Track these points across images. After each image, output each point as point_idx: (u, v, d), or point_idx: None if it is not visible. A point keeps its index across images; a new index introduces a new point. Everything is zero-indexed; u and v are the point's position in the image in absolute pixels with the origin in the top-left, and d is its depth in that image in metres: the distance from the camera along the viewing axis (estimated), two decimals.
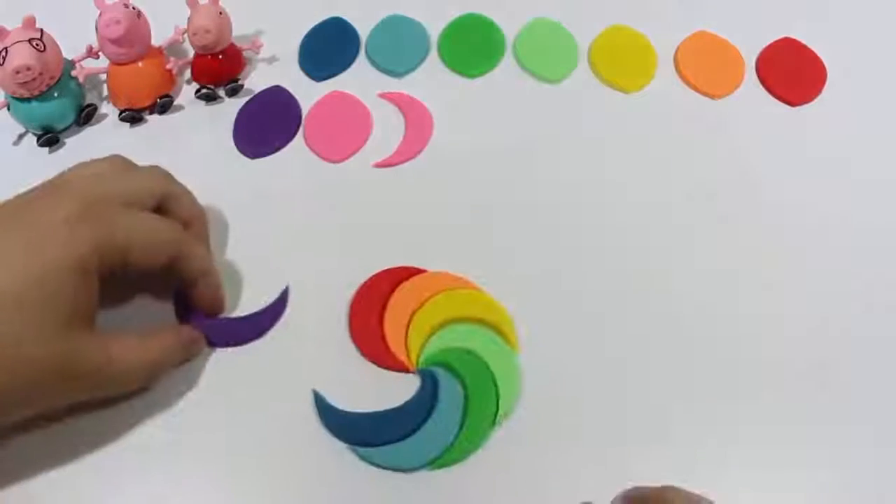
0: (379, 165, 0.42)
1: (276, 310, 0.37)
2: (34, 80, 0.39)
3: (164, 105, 0.44)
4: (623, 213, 0.40)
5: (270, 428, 0.34)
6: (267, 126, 0.44)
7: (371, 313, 0.36)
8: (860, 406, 0.35)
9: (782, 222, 0.40)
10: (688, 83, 0.46)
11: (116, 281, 0.31)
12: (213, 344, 0.36)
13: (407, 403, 0.34)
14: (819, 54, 0.47)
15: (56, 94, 0.41)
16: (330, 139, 0.43)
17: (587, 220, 0.40)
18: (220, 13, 0.42)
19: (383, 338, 0.36)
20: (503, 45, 0.47)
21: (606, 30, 0.47)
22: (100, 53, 0.43)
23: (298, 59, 0.46)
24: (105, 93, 0.45)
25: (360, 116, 0.44)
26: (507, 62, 0.47)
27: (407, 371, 0.35)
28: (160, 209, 0.34)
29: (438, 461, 0.33)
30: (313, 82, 0.45)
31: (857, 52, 0.47)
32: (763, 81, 0.46)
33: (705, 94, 0.45)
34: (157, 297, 0.37)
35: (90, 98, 0.44)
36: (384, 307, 0.36)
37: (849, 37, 0.47)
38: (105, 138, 0.43)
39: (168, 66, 0.43)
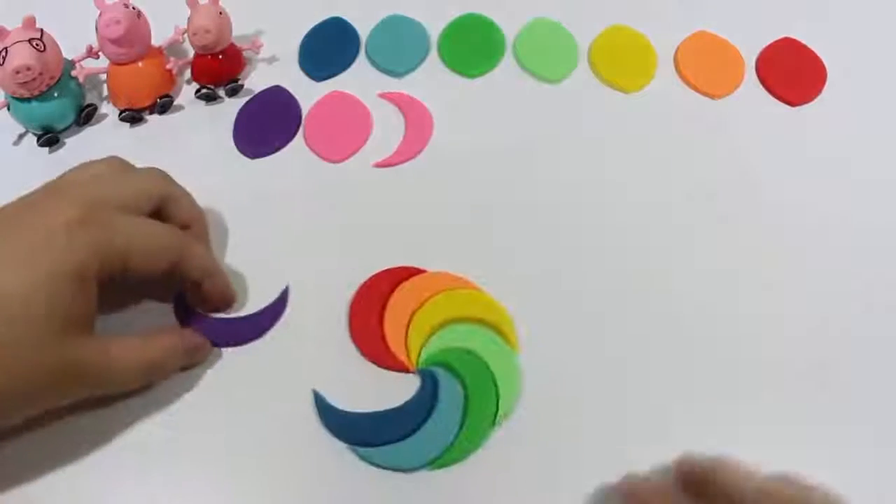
0: (379, 165, 0.42)
1: (275, 310, 0.37)
2: (34, 80, 0.39)
3: (164, 105, 0.44)
4: (623, 213, 0.40)
5: (270, 428, 0.34)
6: (267, 126, 0.44)
7: (371, 313, 0.36)
8: (860, 406, 0.35)
9: (782, 222, 0.40)
10: (688, 83, 0.46)
11: (117, 286, 0.31)
12: (213, 344, 0.36)
13: (407, 403, 0.34)
14: (819, 54, 0.47)
15: (56, 94, 0.41)
16: (330, 139, 0.43)
17: (587, 220, 0.40)
18: (220, 13, 0.42)
19: (383, 338, 0.36)
20: (503, 45, 0.47)
21: (606, 30, 0.47)
22: (100, 53, 0.43)
23: (298, 59, 0.46)
24: (105, 93, 0.45)
25: (360, 116, 0.44)
26: (507, 62, 0.47)
27: (407, 371, 0.35)
28: (159, 211, 0.34)
29: (438, 461, 0.33)
30: (313, 82, 0.45)
31: (857, 52, 0.47)
32: (763, 81, 0.46)
33: (705, 94, 0.45)
34: (158, 301, 0.37)
35: (90, 98, 0.44)
36: (384, 307, 0.36)
37: (849, 37, 0.47)
38: (105, 138, 0.43)
39: (168, 66, 0.43)
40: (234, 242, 0.39)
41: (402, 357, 0.35)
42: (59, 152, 0.43)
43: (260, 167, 0.42)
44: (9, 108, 0.41)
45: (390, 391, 0.34)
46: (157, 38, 0.43)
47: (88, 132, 0.44)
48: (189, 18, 0.42)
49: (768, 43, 0.47)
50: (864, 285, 0.38)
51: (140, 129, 0.44)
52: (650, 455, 0.33)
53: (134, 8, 0.41)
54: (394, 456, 0.33)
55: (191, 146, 0.43)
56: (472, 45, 0.47)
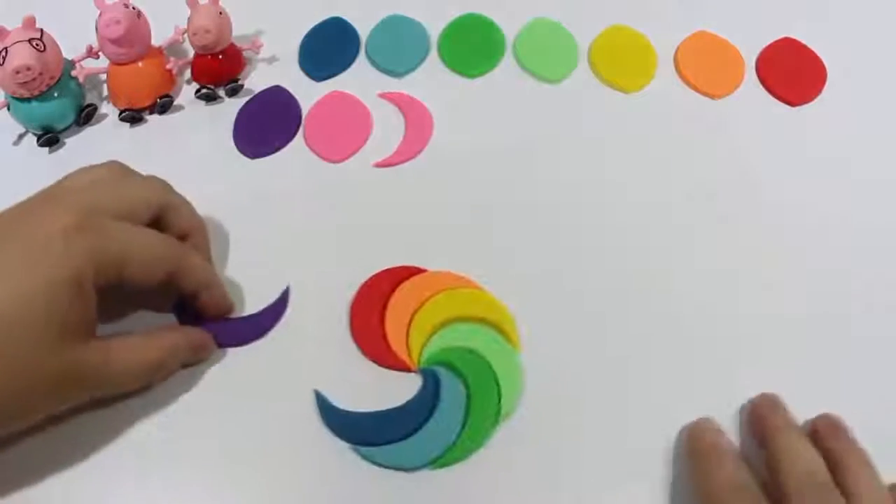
0: (379, 165, 0.42)
1: (276, 310, 0.37)
2: (34, 80, 0.39)
3: (164, 105, 0.44)
4: (623, 213, 0.40)
5: (272, 428, 0.34)
6: (267, 126, 0.44)
7: (372, 313, 0.36)
8: (860, 406, 0.35)
9: (782, 222, 0.40)
10: (688, 83, 0.46)
11: (115, 295, 0.31)
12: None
13: (409, 403, 0.34)
14: (819, 54, 0.47)
15: (56, 94, 0.41)
16: (330, 139, 0.43)
17: (587, 219, 0.40)
18: (220, 13, 0.42)
19: (384, 337, 0.36)
20: (503, 45, 0.47)
21: (606, 30, 0.48)
22: (100, 53, 0.43)
23: (298, 59, 0.46)
24: (105, 93, 0.45)
25: (360, 116, 0.44)
26: (507, 62, 0.47)
27: (408, 370, 0.35)
28: (159, 220, 0.34)
29: (441, 460, 0.33)
30: (313, 82, 0.45)
31: (857, 52, 0.47)
32: (763, 81, 0.46)
33: (705, 94, 0.45)
34: (160, 304, 0.37)
35: (90, 98, 0.44)
36: (385, 307, 0.36)
37: (849, 37, 0.48)
38: (105, 138, 0.43)
39: (168, 66, 0.43)
40: (233, 242, 0.39)
41: (404, 356, 0.35)
42: (59, 152, 0.43)
43: (260, 167, 0.42)
44: (9, 108, 0.41)
45: (392, 390, 0.34)
46: (157, 38, 0.43)
47: (88, 132, 0.43)
48: (189, 18, 0.42)
49: (768, 43, 0.47)
50: (864, 285, 0.38)
51: (140, 129, 0.44)
52: (652, 451, 0.34)
53: (134, 8, 0.41)
54: (396, 455, 0.33)
55: (191, 146, 0.43)
56: (472, 45, 0.47)
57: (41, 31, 0.40)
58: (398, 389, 0.35)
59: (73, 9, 0.41)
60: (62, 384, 0.29)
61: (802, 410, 0.34)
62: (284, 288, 0.37)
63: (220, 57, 0.44)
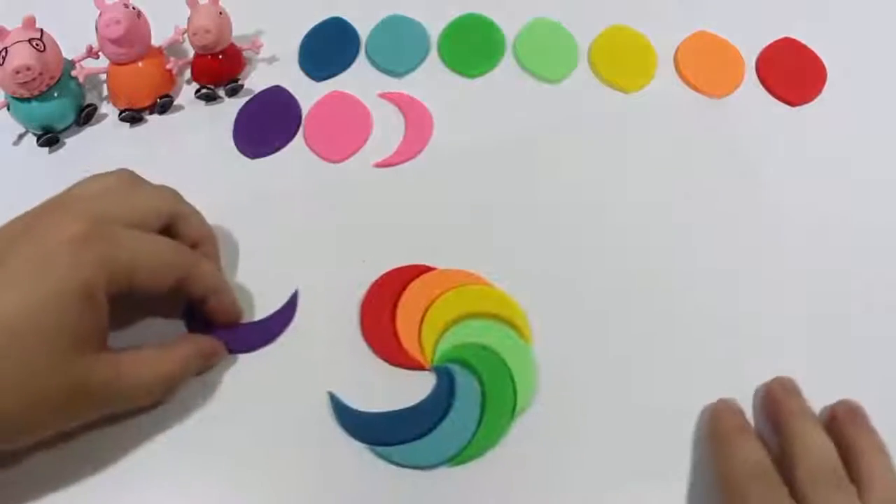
0: (379, 165, 0.42)
1: (286, 314, 0.37)
2: (34, 80, 0.39)
3: (164, 105, 0.44)
4: (623, 213, 0.40)
5: (288, 432, 0.34)
6: (267, 126, 0.44)
7: (383, 312, 0.36)
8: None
9: (782, 222, 0.40)
10: (688, 83, 0.46)
11: (124, 302, 0.31)
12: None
13: (424, 401, 0.34)
14: (819, 54, 0.47)
15: (56, 94, 0.41)
16: (330, 139, 0.43)
17: (587, 219, 0.40)
18: (220, 13, 0.42)
19: (396, 336, 0.36)
20: (503, 45, 0.47)
21: (606, 30, 0.47)
22: (100, 53, 0.43)
23: (298, 59, 0.46)
24: (105, 93, 0.45)
25: (360, 116, 0.44)
26: (507, 62, 0.47)
27: (422, 368, 0.35)
28: (168, 229, 0.34)
29: (457, 458, 0.33)
30: (313, 82, 0.45)
31: (857, 52, 0.47)
32: (763, 81, 0.46)
33: (705, 94, 0.45)
34: (166, 317, 0.37)
35: (90, 98, 0.44)
36: (396, 306, 0.36)
37: (849, 37, 0.47)
38: (105, 138, 0.43)
39: (168, 66, 0.43)
40: (233, 243, 0.39)
41: (417, 355, 0.35)
42: (59, 152, 0.43)
43: (260, 167, 0.42)
44: (9, 108, 0.41)
45: (406, 389, 0.34)
46: (157, 38, 0.43)
47: (88, 132, 0.44)
48: (189, 18, 0.42)
49: (768, 43, 0.47)
50: (864, 285, 0.38)
51: (140, 129, 0.44)
52: (667, 442, 0.34)
53: (134, 8, 0.41)
54: (413, 454, 0.33)
55: (191, 146, 0.43)
56: (472, 45, 0.47)
57: (41, 31, 0.40)
58: (412, 388, 0.35)
59: (73, 9, 0.41)
60: (72, 399, 0.29)
61: None
62: (293, 292, 0.37)
63: (220, 57, 0.44)
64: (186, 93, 0.45)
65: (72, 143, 0.43)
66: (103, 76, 0.44)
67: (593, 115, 0.44)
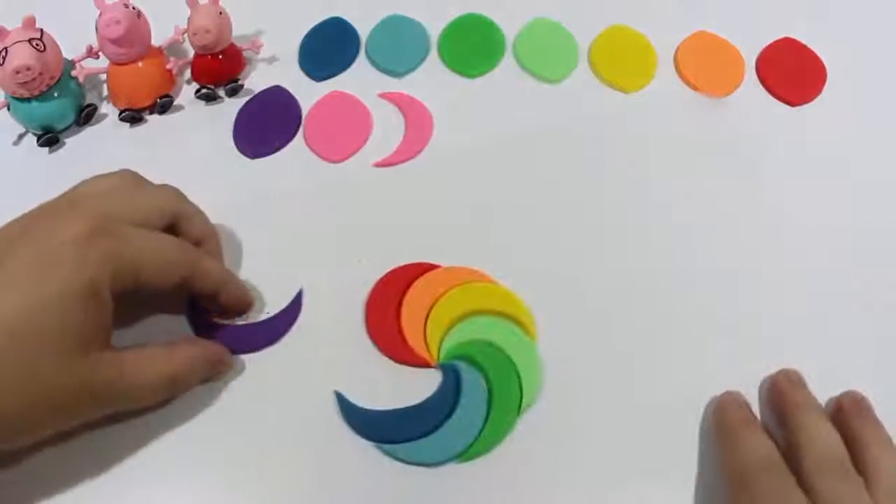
0: (379, 165, 0.42)
1: (290, 313, 0.37)
2: (34, 80, 0.39)
3: (164, 105, 0.44)
4: (622, 213, 0.41)
5: (295, 431, 0.34)
6: (267, 126, 0.44)
7: (388, 310, 0.36)
8: None
9: (782, 222, 0.40)
10: (688, 83, 0.46)
11: (128, 300, 0.31)
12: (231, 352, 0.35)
13: (431, 398, 0.34)
14: (819, 54, 0.47)
15: (56, 94, 0.41)
16: (330, 139, 0.43)
17: (588, 219, 0.40)
18: (220, 13, 0.42)
19: (402, 334, 0.36)
20: (503, 45, 0.47)
21: (606, 30, 0.47)
22: (100, 53, 0.43)
23: (298, 59, 0.46)
24: (105, 93, 0.45)
25: (360, 116, 0.44)
26: (507, 62, 0.47)
27: (427, 366, 0.35)
28: (172, 228, 0.34)
29: (464, 454, 0.33)
30: (313, 82, 0.45)
31: (857, 52, 0.47)
32: (763, 81, 0.46)
33: (705, 94, 0.45)
34: (170, 314, 0.37)
35: (90, 98, 0.44)
36: (400, 304, 0.36)
37: (849, 37, 0.47)
38: (105, 138, 0.43)
39: (168, 66, 0.43)
40: (234, 243, 0.39)
41: (422, 352, 0.35)
42: (59, 152, 0.43)
43: (260, 167, 0.42)
44: (9, 108, 0.41)
45: (411, 387, 0.35)
46: (157, 38, 0.43)
47: (88, 132, 0.44)
48: (189, 18, 0.42)
49: (768, 43, 0.47)
50: (864, 285, 0.38)
51: (140, 129, 0.44)
52: (674, 434, 0.34)
53: (134, 8, 0.41)
54: (420, 451, 0.33)
55: (191, 146, 0.43)
56: (472, 45, 0.47)
57: (41, 31, 0.40)
58: (418, 385, 0.35)
59: (73, 9, 0.41)
60: (75, 398, 0.29)
61: None
62: (297, 291, 0.37)
63: (220, 57, 0.44)
64: (186, 93, 0.45)
65: (72, 143, 0.43)
66: (103, 76, 0.44)
67: (593, 115, 0.44)
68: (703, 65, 0.46)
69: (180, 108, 0.45)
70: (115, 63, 0.42)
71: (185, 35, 0.43)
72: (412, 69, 0.46)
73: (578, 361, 0.36)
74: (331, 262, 0.38)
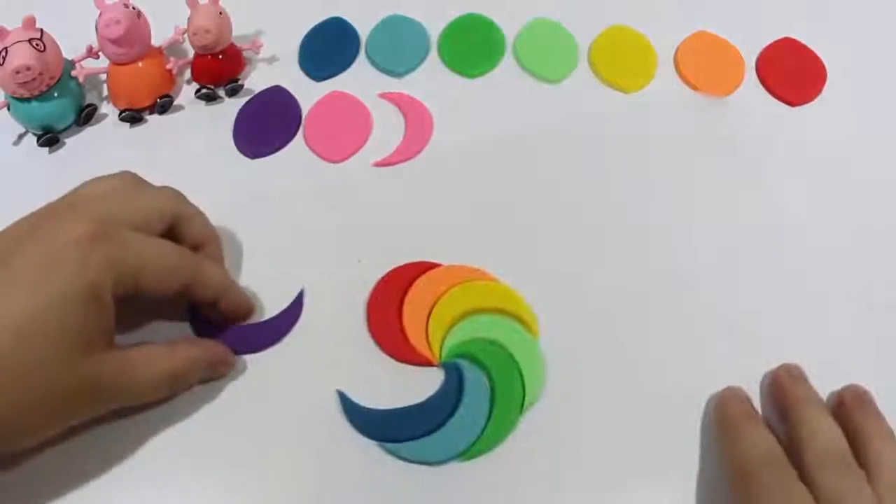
0: (378, 164, 0.42)
1: (292, 313, 0.37)
2: (34, 80, 0.39)
3: (164, 105, 0.44)
4: (623, 212, 0.41)
5: (297, 431, 0.34)
6: (267, 126, 0.44)
7: (389, 309, 0.36)
8: None
9: (782, 222, 0.40)
10: (688, 83, 0.46)
11: (129, 305, 0.31)
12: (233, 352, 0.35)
13: (433, 397, 0.34)
14: (819, 54, 0.47)
15: (56, 94, 0.41)
16: (330, 139, 0.43)
17: (587, 219, 0.40)
18: (220, 13, 0.42)
19: (404, 333, 0.36)
20: (503, 45, 0.47)
21: (606, 30, 0.47)
22: (100, 53, 0.43)
23: (298, 59, 0.46)
24: (105, 93, 0.45)
25: (360, 116, 0.44)
26: (507, 62, 0.47)
27: (430, 364, 0.35)
28: (172, 230, 0.34)
29: (467, 453, 0.33)
30: (313, 82, 0.45)
31: (857, 52, 0.47)
32: (763, 81, 0.46)
33: (705, 94, 0.45)
34: (174, 314, 0.37)
35: (90, 98, 0.44)
36: (402, 302, 0.36)
37: (849, 37, 0.47)
38: (105, 138, 0.43)
39: (168, 66, 0.43)
40: (233, 243, 0.39)
41: (424, 351, 0.35)
42: (59, 152, 0.43)
43: (260, 167, 0.42)
44: (9, 108, 0.41)
45: (414, 385, 0.35)
46: (157, 38, 0.43)
47: (88, 132, 0.44)
48: (189, 18, 0.42)
49: (768, 43, 0.47)
50: (864, 285, 0.38)
51: (140, 129, 0.44)
52: (675, 433, 0.34)
53: (134, 8, 0.41)
54: (423, 450, 0.33)
55: (191, 146, 0.43)
56: (472, 45, 0.47)
57: (41, 31, 0.40)
58: (420, 384, 0.35)
59: (73, 9, 0.41)
60: (79, 397, 0.29)
61: None
62: (299, 291, 0.37)
63: (220, 57, 0.44)
64: (186, 93, 0.45)
65: (72, 143, 0.43)
66: (103, 76, 0.44)
67: (593, 115, 0.44)
68: (703, 65, 0.46)
69: (180, 108, 0.45)
70: (115, 63, 0.42)
71: (185, 35, 0.43)
72: (412, 69, 0.46)
73: (581, 359, 0.36)
74: (331, 262, 0.38)
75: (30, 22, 0.39)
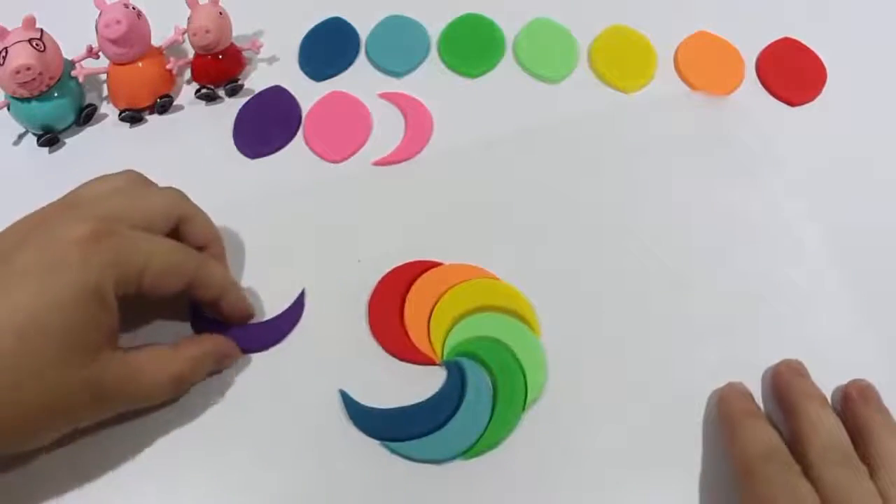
0: (378, 164, 0.42)
1: (294, 313, 0.37)
2: (34, 80, 0.39)
3: (164, 105, 0.44)
4: (623, 212, 0.40)
5: (300, 431, 0.34)
6: (267, 126, 0.44)
7: (391, 309, 0.36)
8: None
9: (782, 222, 0.40)
10: (688, 83, 0.46)
11: (132, 304, 0.31)
12: None
13: (436, 396, 0.34)
14: (819, 54, 0.47)
15: (56, 94, 0.41)
16: (330, 139, 0.43)
17: (587, 218, 0.40)
18: (220, 13, 0.42)
19: (405, 332, 0.36)
20: (503, 45, 0.47)
21: (606, 30, 0.48)
22: (100, 53, 0.43)
23: (298, 59, 0.46)
24: (105, 93, 0.45)
25: (360, 116, 0.44)
26: (507, 62, 0.47)
27: (432, 363, 0.35)
28: (175, 231, 0.33)
29: (470, 451, 0.33)
30: (313, 82, 0.45)
31: (857, 52, 0.47)
32: (763, 81, 0.46)
33: (705, 94, 0.45)
34: (176, 314, 0.37)
35: (90, 98, 0.44)
36: (403, 302, 0.36)
37: (849, 37, 0.48)
38: (105, 138, 0.43)
39: (168, 66, 0.43)
40: (234, 242, 0.39)
41: (426, 350, 0.35)
42: (59, 152, 0.43)
43: (260, 167, 0.42)
44: (9, 108, 0.41)
45: (416, 384, 0.35)
46: (157, 38, 0.43)
47: (88, 132, 0.43)
48: (189, 18, 0.42)
49: (768, 43, 0.47)
50: (864, 285, 0.38)
51: (140, 129, 0.44)
52: (678, 429, 0.34)
53: (134, 8, 0.41)
54: (426, 449, 0.33)
55: (191, 146, 0.43)
56: (472, 45, 0.47)
57: (41, 31, 0.40)
58: (422, 383, 0.35)
59: (73, 9, 0.41)
60: (82, 400, 0.28)
61: None
62: (300, 291, 0.37)
63: (220, 57, 0.44)
64: (186, 93, 0.45)
65: (72, 143, 0.43)
66: (103, 76, 0.44)
67: (593, 115, 0.44)
68: (703, 65, 0.46)
69: (180, 108, 0.45)
70: (115, 63, 0.42)
71: (185, 35, 0.43)
72: (412, 69, 0.46)
73: (582, 356, 0.36)
74: (332, 262, 0.38)
75: (30, 22, 0.39)
